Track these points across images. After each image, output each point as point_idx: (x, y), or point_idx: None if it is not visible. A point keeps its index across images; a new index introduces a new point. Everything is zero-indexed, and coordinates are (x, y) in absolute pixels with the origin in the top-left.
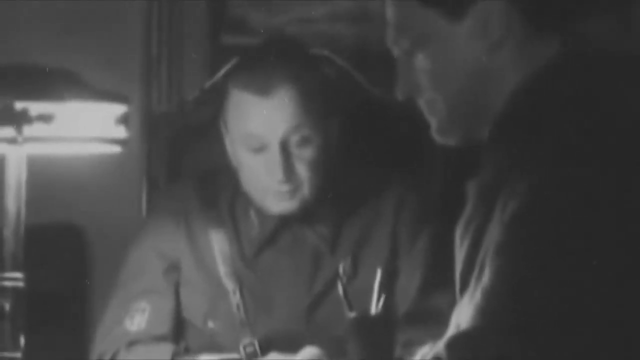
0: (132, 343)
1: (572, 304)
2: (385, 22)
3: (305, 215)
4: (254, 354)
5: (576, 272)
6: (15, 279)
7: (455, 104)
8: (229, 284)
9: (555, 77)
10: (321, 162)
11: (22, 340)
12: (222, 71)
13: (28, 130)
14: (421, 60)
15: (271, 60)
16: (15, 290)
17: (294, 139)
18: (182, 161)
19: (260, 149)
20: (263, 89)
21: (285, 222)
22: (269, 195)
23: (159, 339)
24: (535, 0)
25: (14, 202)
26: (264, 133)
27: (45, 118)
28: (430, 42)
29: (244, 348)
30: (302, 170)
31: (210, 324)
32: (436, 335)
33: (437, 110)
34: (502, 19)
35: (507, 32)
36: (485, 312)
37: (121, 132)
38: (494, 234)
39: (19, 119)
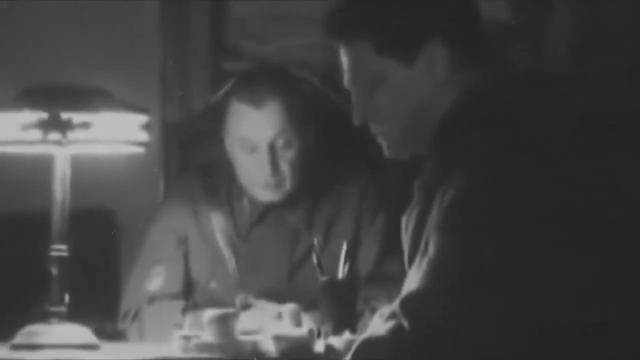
0: (151, 300)
1: (500, 269)
2: (343, 69)
3: (287, 202)
4: (247, 305)
5: (503, 243)
6: (60, 250)
7: (406, 129)
8: (227, 253)
9: (477, 97)
10: (300, 161)
11: (66, 298)
12: (222, 90)
13: (71, 135)
14: (379, 97)
15: (263, 81)
16: (60, 258)
17: (279, 142)
18: (190, 159)
19: (252, 149)
20: (256, 102)
21: (271, 206)
22: (258, 187)
23: (173, 296)
24: (468, 42)
25: (60, 190)
26: (255, 137)
27: (85, 125)
28: (386, 82)
29: (240, 302)
30: (285, 168)
31: (212, 284)
32: (389, 293)
33: (389, 135)
34: (445, 61)
35: (449, 71)
36: (430, 277)
37: (143, 137)
38: (434, 219)
39: (64, 126)
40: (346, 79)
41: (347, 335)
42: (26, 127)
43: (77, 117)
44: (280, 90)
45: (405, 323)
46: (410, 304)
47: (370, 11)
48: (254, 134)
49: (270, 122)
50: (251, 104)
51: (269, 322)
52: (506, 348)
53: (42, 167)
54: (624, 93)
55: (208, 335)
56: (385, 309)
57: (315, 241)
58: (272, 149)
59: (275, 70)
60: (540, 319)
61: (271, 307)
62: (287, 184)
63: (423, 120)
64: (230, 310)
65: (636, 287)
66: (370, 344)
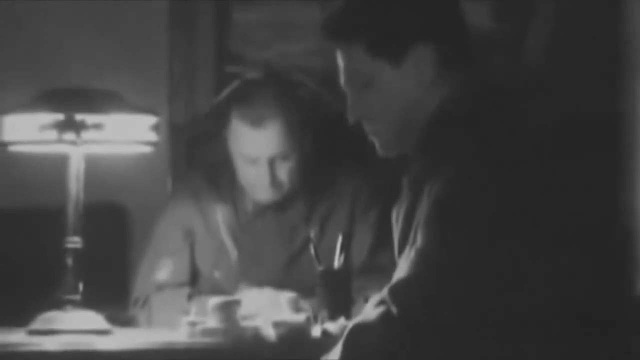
0: (159, 289)
1: (481, 261)
2: (339, 69)
3: (286, 200)
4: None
5: (485, 236)
6: (75, 242)
7: (396, 128)
8: (229, 245)
9: (460, 101)
10: (298, 168)
11: (80, 287)
12: (224, 93)
13: (85, 135)
14: (370, 96)
15: (262, 96)
16: (75, 250)
17: (279, 157)
18: (195, 157)
19: (252, 162)
20: (256, 123)
21: (271, 203)
22: (258, 189)
23: (180, 285)
24: (454, 45)
25: (75, 187)
26: (256, 154)
27: (98, 126)
28: (377, 83)
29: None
30: (283, 176)
31: (216, 274)
32: (381, 282)
33: (381, 134)
34: (431, 63)
35: (435, 72)
36: (418, 266)
37: (152, 137)
38: (422, 212)
39: (78, 127)
40: (342, 79)
41: (342, 320)
42: (43, 127)
43: (90, 118)
44: (280, 107)
45: (393, 309)
46: (398, 291)
47: (363, 15)
48: (255, 151)
49: (270, 141)
50: (252, 125)
51: (267, 307)
52: (487, 334)
53: (57, 165)
54: (600, 98)
55: (212, 321)
56: (376, 296)
57: (312, 234)
58: (271, 163)
59: (274, 80)
60: (519, 309)
61: (270, 293)
62: (285, 188)
63: (412, 119)
64: (233, 297)
65: (609, 282)
66: (361, 328)
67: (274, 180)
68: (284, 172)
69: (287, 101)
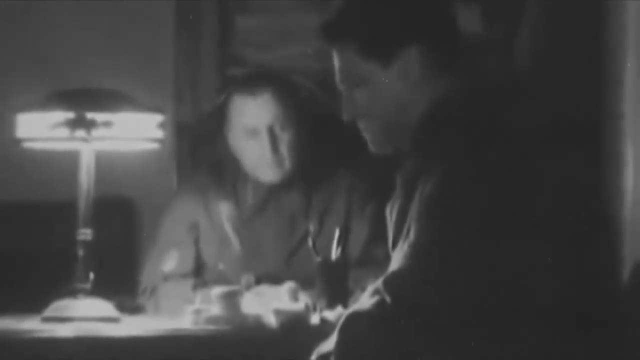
0: (166, 279)
1: (471, 253)
2: (334, 69)
3: (286, 190)
4: (250, 284)
5: (474, 229)
6: (86, 234)
7: (385, 126)
8: (232, 237)
9: (452, 103)
10: (297, 144)
11: (90, 276)
12: (227, 92)
13: (95, 132)
14: (361, 96)
15: (258, 77)
16: (85, 241)
17: (277, 126)
18: (199, 155)
19: (253, 134)
20: (252, 93)
21: (272, 194)
22: (261, 167)
23: (185, 276)
24: (440, 48)
25: (85, 181)
26: (255, 122)
27: (107, 124)
28: (367, 83)
29: (246, 281)
30: (284, 149)
31: (220, 265)
32: (376, 274)
33: (372, 131)
34: (419, 65)
35: (422, 73)
36: (410, 259)
37: (159, 134)
38: (415, 208)
39: (89, 125)
40: (337, 79)
41: (339, 309)
42: (55, 125)
43: (100, 116)
44: (273, 84)
45: (387, 298)
46: (392, 282)
47: (354, 19)
48: (254, 119)
49: (267, 108)
50: (249, 95)
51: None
52: (476, 323)
53: (69, 161)
54: (587, 99)
55: (216, 310)
56: (372, 287)
57: (311, 227)
58: (271, 131)
59: (270, 71)
60: (508, 301)
61: (273, 291)
62: (287, 164)
63: (400, 119)
64: (235, 287)
65: (597, 278)
66: (356, 316)
67: (276, 153)
68: (284, 145)
69: (280, 83)
